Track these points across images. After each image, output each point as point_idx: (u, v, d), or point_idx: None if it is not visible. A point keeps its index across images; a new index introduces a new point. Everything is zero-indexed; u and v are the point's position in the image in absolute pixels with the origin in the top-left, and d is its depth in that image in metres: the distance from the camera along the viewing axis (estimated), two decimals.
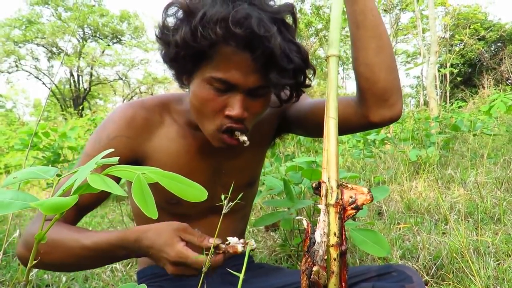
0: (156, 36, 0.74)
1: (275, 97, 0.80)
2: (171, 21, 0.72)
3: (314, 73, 0.78)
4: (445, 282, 1.22)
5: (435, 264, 1.30)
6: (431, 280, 1.24)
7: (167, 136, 0.84)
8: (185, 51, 0.69)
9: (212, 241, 0.63)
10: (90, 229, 0.75)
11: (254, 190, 1.01)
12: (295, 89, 0.78)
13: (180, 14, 0.71)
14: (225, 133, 0.75)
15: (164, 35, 0.72)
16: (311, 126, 0.88)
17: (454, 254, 1.30)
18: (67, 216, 0.76)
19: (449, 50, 16.32)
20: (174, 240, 0.64)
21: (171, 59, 0.73)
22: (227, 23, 0.65)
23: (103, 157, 0.37)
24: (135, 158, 0.82)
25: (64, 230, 0.71)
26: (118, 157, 0.40)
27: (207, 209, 0.89)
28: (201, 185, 0.89)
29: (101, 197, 0.80)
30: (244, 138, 0.75)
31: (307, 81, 0.77)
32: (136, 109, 0.82)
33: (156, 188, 0.50)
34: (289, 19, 0.73)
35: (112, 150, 0.42)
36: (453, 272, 1.22)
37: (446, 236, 1.58)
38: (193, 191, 0.36)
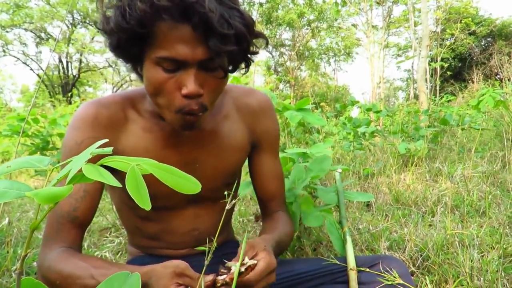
0: (98, 29, 0.72)
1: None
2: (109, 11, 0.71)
3: (267, 42, 0.76)
4: (431, 273, 1.25)
5: (421, 255, 1.33)
6: (417, 271, 1.26)
7: (133, 133, 0.82)
8: (122, 35, 0.68)
9: (209, 278, 0.66)
10: (96, 256, 0.77)
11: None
12: (240, 57, 0.74)
13: (114, 1, 0.69)
14: (187, 114, 0.72)
15: (103, 26, 0.70)
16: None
17: (440, 246, 1.33)
18: (74, 238, 0.78)
19: (440, 44, 16.41)
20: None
21: (114, 48, 0.71)
22: None
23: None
24: None
25: (79, 262, 0.71)
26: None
27: (185, 200, 0.88)
28: None
29: (96, 206, 0.81)
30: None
31: (254, 48, 0.74)
32: (97, 108, 0.80)
33: None
34: None
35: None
36: (438, 264, 1.25)
37: (432, 228, 1.61)
38: (187, 183, 0.36)
